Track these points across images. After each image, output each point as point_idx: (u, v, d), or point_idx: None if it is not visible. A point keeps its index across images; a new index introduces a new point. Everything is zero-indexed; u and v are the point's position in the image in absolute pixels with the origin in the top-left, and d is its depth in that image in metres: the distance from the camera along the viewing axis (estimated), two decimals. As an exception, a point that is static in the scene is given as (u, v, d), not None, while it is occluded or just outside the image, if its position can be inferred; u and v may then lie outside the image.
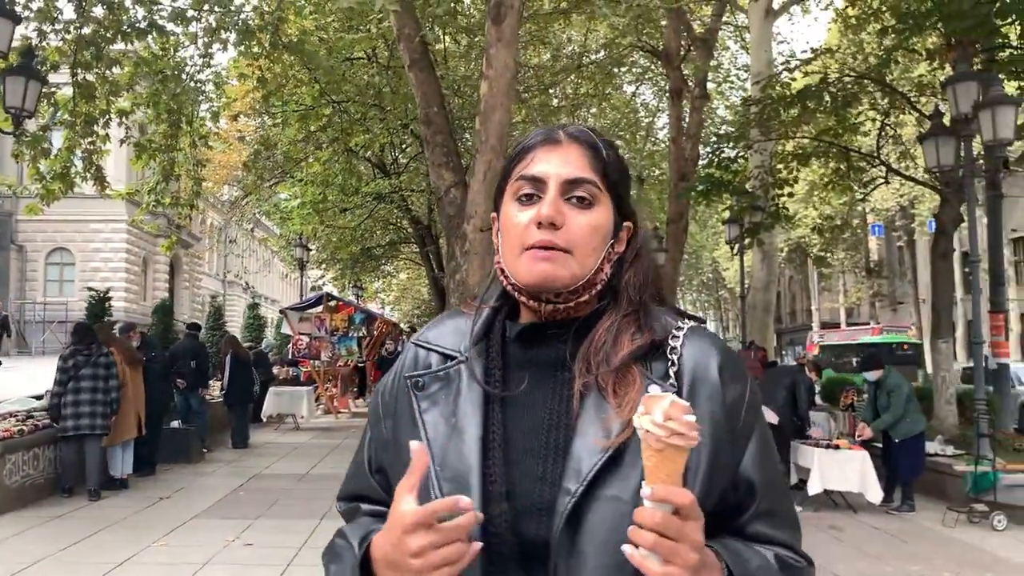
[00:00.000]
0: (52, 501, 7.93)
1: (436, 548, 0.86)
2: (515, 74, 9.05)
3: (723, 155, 10.76)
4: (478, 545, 0.89)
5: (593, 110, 26.04)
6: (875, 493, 8.25)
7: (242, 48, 12.56)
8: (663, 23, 17.70)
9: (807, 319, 46.51)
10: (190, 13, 12.20)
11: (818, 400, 11.55)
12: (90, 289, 14.01)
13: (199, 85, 12.96)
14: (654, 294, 1.09)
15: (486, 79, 8.77)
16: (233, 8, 12.14)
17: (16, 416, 7.17)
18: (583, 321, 1.05)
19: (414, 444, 0.93)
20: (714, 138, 12.39)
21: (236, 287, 49.16)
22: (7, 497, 6.97)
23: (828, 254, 26.13)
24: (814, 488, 8.20)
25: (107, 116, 11.79)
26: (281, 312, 19.25)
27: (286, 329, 18.41)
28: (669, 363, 1.00)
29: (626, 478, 0.92)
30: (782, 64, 10.58)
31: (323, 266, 25.04)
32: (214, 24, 12.28)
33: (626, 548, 0.83)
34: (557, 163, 1.04)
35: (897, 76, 13.41)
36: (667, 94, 19.62)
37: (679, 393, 0.97)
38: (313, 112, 14.51)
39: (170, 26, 11.88)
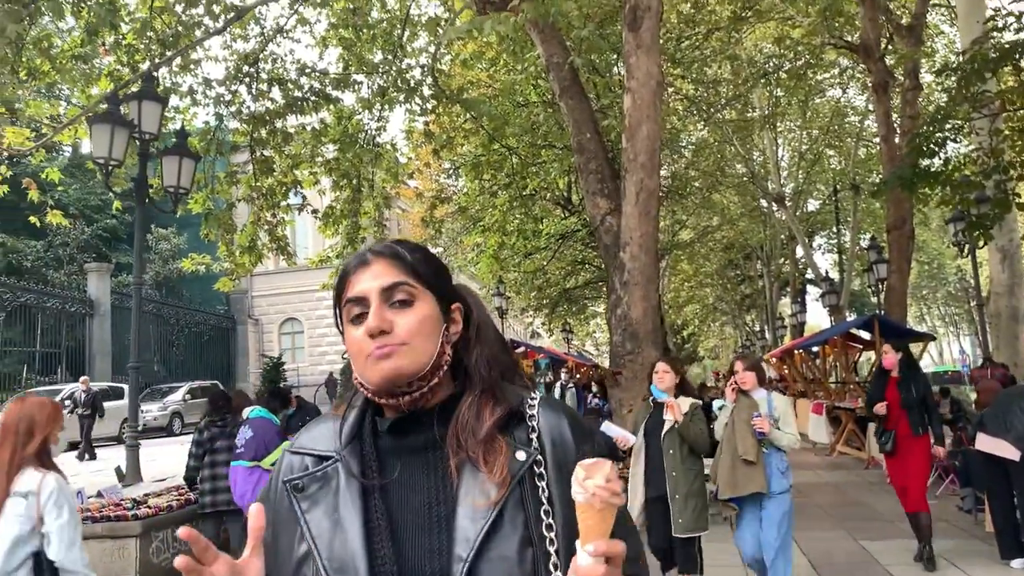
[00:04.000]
0: None
1: None
2: (660, 82, 8.22)
3: (930, 141, 9.12)
4: None
5: (798, 121, 24.47)
6: None
7: (408, 105, 12.79)
8: (856, 14, 16.23)
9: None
10: (358, 78, 12.62)
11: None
12: (264, 356, 14.70)
13: (376, 148, 13.23)
14: (506, 366, 1.21)
15: (629, 91, 8.04)
16: (400, 68, 12.37)
17: (180, 491, 7.24)
18: (443, 405, 1.15)
19: (253, 507, 1.04)
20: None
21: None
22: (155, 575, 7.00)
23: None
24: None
25: (286, 188, 12.27)
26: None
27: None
28: (529, 429, 1.14)
29: (508, 537, 1.04)
30: (991, 27, 8.83)
31: (528, 312, 25.05)
32: (382, 84, 12.55)
33: None
34: (370, 278, 1.15)
35: None
36: (871, 90, 17.70)
37: (542, 454, 1.11)
38: (484, 159, 14.42)
39: (337, 94, 12.23)
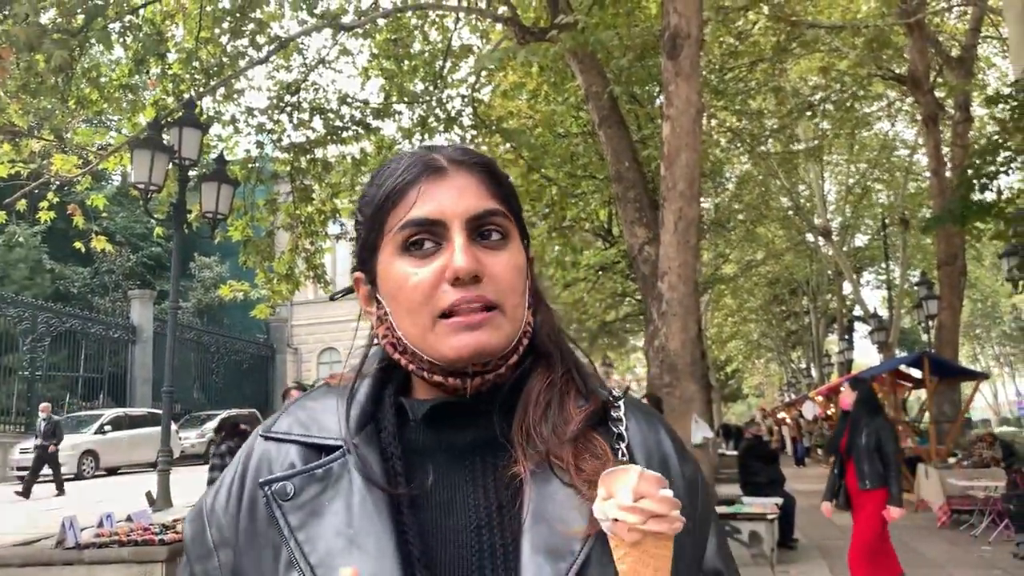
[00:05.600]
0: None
1: None
2: (700, 110, 8.07)
3: (981, 173, 8.85)
4: None
5: (844, 155, 24.10)
6: None
7: (448, 135, 12.83)
8: (904, 45, 15.97)
9: None
10: (399, 108, 12.70)
11: None
12: (296, 384, 14.68)
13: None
14: (568, 346, 0.88)
15: (667, 119, 7.90)
16: (440, 99, 12.43)
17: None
18: (499, 389, 0.81)
19: (346, 570, 0.69)
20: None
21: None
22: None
23: None
24: None
25: (325, 216, 12.33)
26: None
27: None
28: (615, 437, 0.81)
29: None
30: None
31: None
32: (422, 114, 12.61)
33: None
34: (452, 196, 0.79)
35: None
36: (921, 123, 17.36)
37: None
38: (523, 189, 14.38)
39: (378, 124, 12.31)
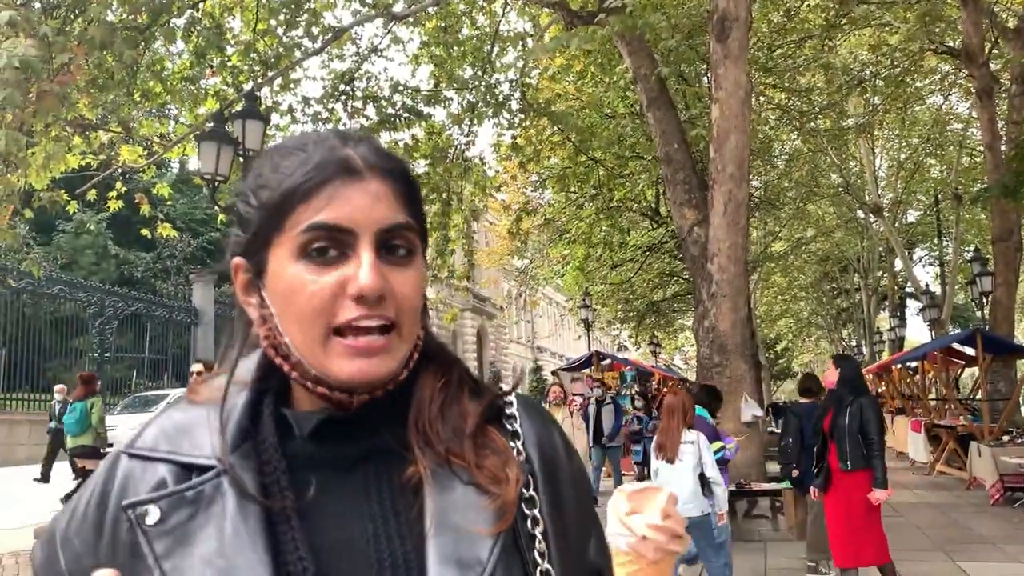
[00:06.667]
0: None
1: None
2: (749, 92, 8.17)
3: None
4: None
5: (896, 129, 23.70)
6: None
7: (496, 119, 13.04)
8: (957, 18, 15.67)
9: None
10: (449, 94, 12.95)
11: None
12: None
13: (465, 163, 13.51)
14: None
15: (716, 102, 8.04)
16: (488, 83, 12.64)
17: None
18: (389, 396, 0.76)
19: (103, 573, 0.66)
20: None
21: (546, 352, 50.98)
22: None
23: None
24: None
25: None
26: (553, 373, 19.23)
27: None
28: (511, 433, 0.80)
29: None
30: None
31: (615, 325, 24.95)
32: (471, 99, 12.84)
33: None
34: (365, 205, 0.73)
35: None
36: (975, 96, 17.03)
37: (532, 472, 0.78)
38: (570, 172, 14.54)
39: (428, 110, 12.58)
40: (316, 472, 0.75)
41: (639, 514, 0.65)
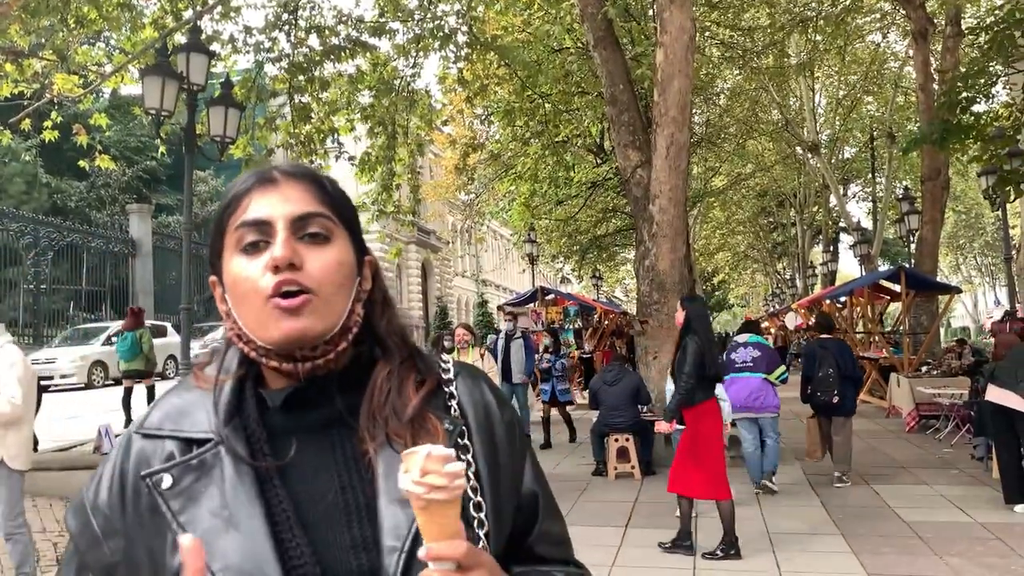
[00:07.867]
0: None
1: None
2: (693, 37, 8.32)
3: (962, 95, 9.13)
4: None
5: (836, 67, 24.08)
6: None
7: (443, 52, 12.91)
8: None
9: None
10: (394, 26, 12.75)
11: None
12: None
13: (411, 95, 13.39)
14: (415, 343, 1.03)
15: (661, 46, 8.18)
16: (435, 15, 12.47)
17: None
18: (344, 372, 0.96)
19: (185, 538, 0.77)
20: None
21: (491, 285, 51.23)
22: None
23: None
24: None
25: (324, 135, 12.53)
26: (498, 308, 19.47)
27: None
28: (447, 396, 0.98)
29: None
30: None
31: (559, 259, 25.29)
32: (417, 31, 12.67)
33: None
34: (279, 201, 0.92)
35: None
36: (911, 37, 17.41)
37: (466, 425, 0.96)
38: (516, 107, 14.54)
39: (374, 41, 12.39)
40: (291, 437, 0.93)
41: (408, 472, 0.77)
